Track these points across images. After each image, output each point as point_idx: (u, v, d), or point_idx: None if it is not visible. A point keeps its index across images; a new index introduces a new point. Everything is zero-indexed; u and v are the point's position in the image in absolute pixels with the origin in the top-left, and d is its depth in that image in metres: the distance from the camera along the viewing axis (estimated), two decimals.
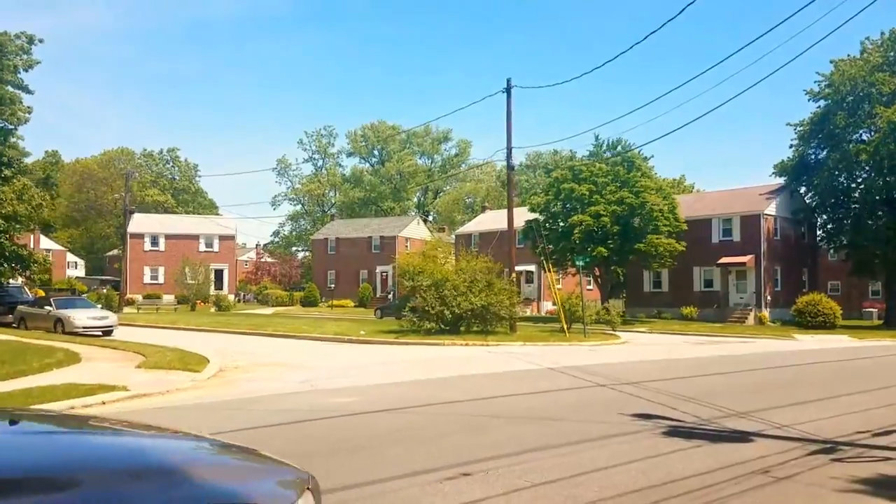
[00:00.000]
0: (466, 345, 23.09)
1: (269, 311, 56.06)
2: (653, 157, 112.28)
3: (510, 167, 27.39)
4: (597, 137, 44.94)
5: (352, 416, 9.27)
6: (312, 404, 10.29)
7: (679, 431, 8.24)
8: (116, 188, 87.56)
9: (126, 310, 51.78)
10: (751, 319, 42.54)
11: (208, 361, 15.43)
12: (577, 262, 29.19)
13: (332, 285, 70.52)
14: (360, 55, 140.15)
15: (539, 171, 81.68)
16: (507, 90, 26.28)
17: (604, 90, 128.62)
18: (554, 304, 28.40)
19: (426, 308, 24.92)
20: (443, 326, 25.25)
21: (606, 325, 29.70)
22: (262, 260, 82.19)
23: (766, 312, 42.74)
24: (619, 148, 77.60)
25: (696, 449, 7.28)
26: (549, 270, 28.05)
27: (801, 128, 43.55)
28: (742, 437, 7.97)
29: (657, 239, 40.77)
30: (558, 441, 7.55)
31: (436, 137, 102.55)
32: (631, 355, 20.63)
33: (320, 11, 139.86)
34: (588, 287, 51.32)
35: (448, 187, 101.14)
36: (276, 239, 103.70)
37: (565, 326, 27.11)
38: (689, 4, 12.96)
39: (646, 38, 23.22)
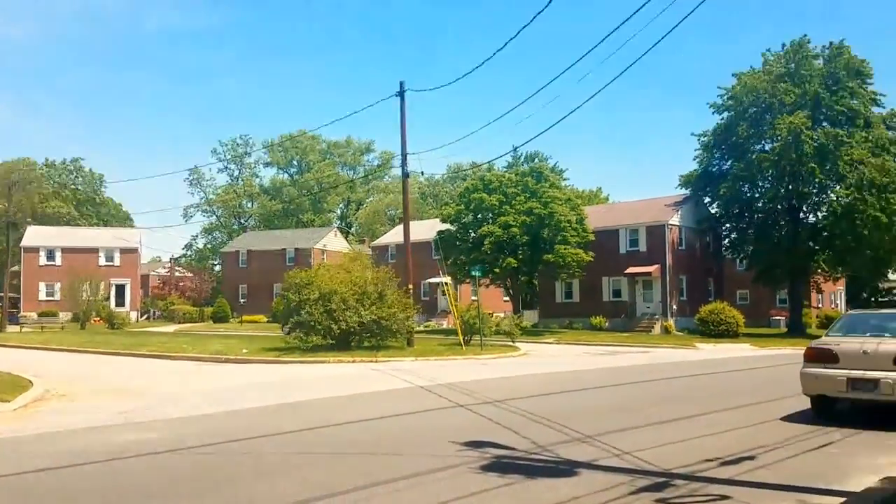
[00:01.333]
0: (353, 361, 21.75)
1: (172, 328, 53.17)
2: (568, 169, 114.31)
3: (405, 174, 26.27)
4: (515, 149, 45.02)
5: (137, 457, 7.84)
6: (106, 443, 8.78)
7: (502, 464, 7.19)
8: (14, 200, 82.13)
9: (10, 329, 48.10)
10: (657, 328, 42.80)
11: (30, 387, 13.60)
12: (474, 273, 28.37)
13: (244, 300, 67.82)
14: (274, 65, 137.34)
15: (458, 182, 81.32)
16: (401, 94, 25.24)
17: (515, 91, 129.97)
18: (459, 316, 27.33)
19: (312, 323, 23.47)
20: (331, 342, 23.83)
21: (506, 336, 28.88)
22: (175, 274, 78.40)
23: (671, 321, 43.08)
24: (535, 161, 78.00)
25: (506, 488, 6.21)
26: (448, 283, 26.94)
27: (705, 139, 44.31)
28: (569, 469, 6.97)
29: (565, 249, 40.54)
30: (361, 482, 6.38)
31: (358, 148, 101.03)
32: (520, 369, 19.77)
33: (236, 20, 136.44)
34: (504, 299, 50.90)
35: (371, 199, 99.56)
36: (190, 252, 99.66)
37: (462, 340, 26.14)
38: (548, 4, 12.14)
39: (518, 33, 22.60)
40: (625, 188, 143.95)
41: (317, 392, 13.91)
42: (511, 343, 28.74)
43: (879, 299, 75.39)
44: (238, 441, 8.73)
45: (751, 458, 7.61)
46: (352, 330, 23.71)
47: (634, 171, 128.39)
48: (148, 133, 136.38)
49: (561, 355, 26.68)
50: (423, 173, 34.23)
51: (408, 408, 11.59)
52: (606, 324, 44.56)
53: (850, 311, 12.17)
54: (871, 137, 39.22)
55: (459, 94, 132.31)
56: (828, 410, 10.36)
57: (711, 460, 7.46)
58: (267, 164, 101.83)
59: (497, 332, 29.64)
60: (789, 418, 10.37)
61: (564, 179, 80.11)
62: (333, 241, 68.15)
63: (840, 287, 65.16)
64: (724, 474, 6.84)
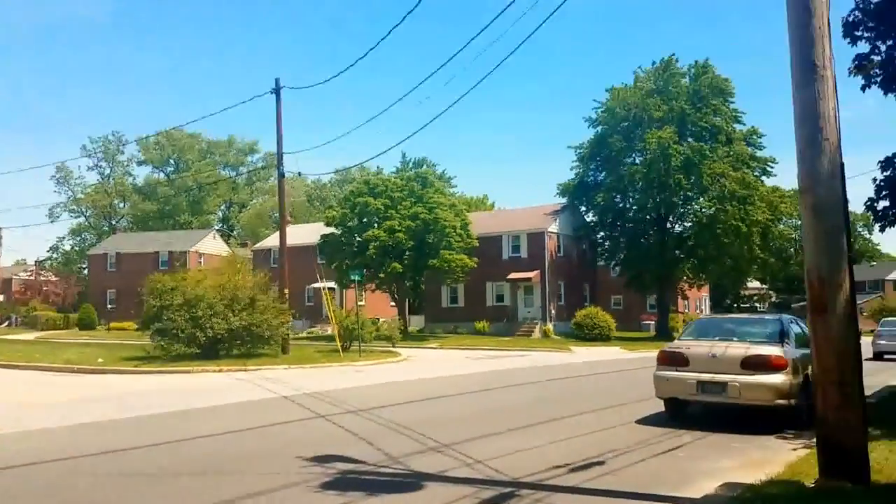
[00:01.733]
0: (220, 371, 20.60)
1: (34, 335, 48.90)
2: (456, 176, 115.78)
3: (281, 174, 25.31)
4: (404, 155, 44.81)
5: None
6: None
7: (345, 480, 6.75)
8: None
9: None
10: (537, 332, 43.79)
11: None
12: (353, 277, 27.77)
13: (112, 306, 63.54)
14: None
15: (346, 185, 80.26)
16: (276, 91, 24.30)
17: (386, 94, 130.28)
18: (338, 322, 26.58)
19: (175, 330, 22.07)
20: (196, 350, 22.50)
21: (387, 341, 28.47)
22: (39, 278, 72.30)
23: (550, 326, 44.23)
24: (423, 167, 78.20)
25: None
26: (326, 288, 26.18)
27: (581, 150, 45.91)
28: (415, 482, 6.63)
29: (450, 255, 40.72)
30: None
31: (241, 148, 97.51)
32: (396, 375, 19.41)
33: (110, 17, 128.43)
34: (392, 304, 50.48)
35: (255, 201, 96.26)
36: (56, 255, 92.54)
37: (340, 346, 25.48)
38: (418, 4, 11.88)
39: (389, 32, 22.37)
40: (513, 196, 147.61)
41: (169, 405, 12.90)
42: (392, 349, 28.33)
43: (741, 305, 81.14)
44: (42, 464, 7.77)
45: (600, 463, 7.58)
46: (219, 337, 22.50)
47: (521, 179, 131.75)
48: (9, 127, 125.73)
49: (441, 360, 26.58)
50: (300, 174, 33.15)
51: (264, 420, 10.91)
52: (490, 328, 45.20)
53: (702, 316, 12.66)
54: (732, 152, 41.98)
55: (350, 97, 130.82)
56: (681, 413, 10.65)
57: (561, 466, 7.36)
58: (141, 163, 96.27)
59: (378, 338, 29.17)
60: (645, 421, 10.57)
61: (452, 186, 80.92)
62: (211, 244, 65.27)
63: (705, 293, 69.49)
64: (571, 481, 6.73)
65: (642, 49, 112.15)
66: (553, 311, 45.68)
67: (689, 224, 44.47)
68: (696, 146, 41.01)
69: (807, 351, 11.27)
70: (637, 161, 43.54)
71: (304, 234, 53.79)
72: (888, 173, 10.05)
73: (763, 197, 41.91)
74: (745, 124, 43.67)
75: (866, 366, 21.76)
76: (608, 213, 45.53)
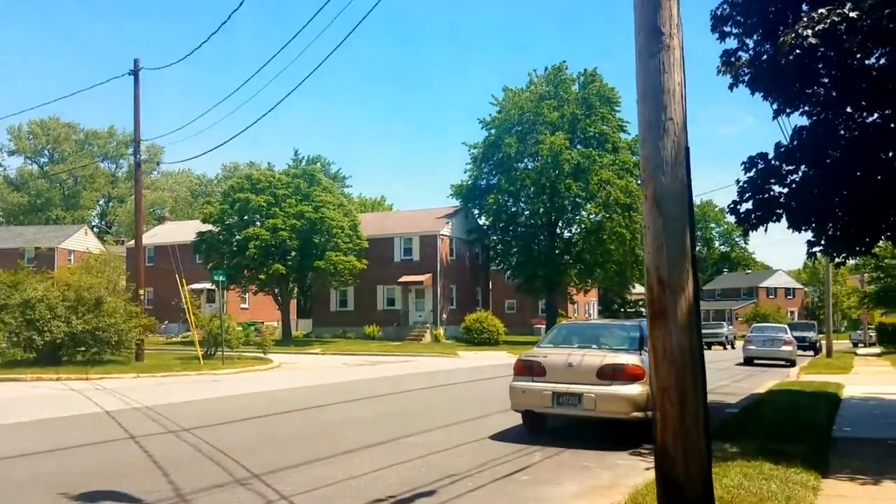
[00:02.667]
0: (59, 379, 18.35)
1: None
2: (351, 176, 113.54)
3: (137, 164, 23.11)
4: (296, 152, 42.82)
5: None
6: None
7: None
8: None
9: None
10: (427, 337, 42.93)
11: None
12: (216, 278, 25.82)
13: None
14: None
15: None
16: (135, 73, 22.12)
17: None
18: (199, 326, 24.54)
19: (9, 333, 19.55)
20: (32, 356, 20.03)
21: (258, 347, 26.66)
22: None
23: (441, 330, 43.49)
24: (317, 164, 75.80)
25: None
26: (184, 288, 24.09)
27: (475, 151, 45.53)
28: None
29: (337, 256, 39.19)
30: None
31: (122, 140, 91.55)
32: (256, 386, 17.82)
33: None
34: (277, 307, 48.19)
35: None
36: None
37: (200, 353, 23.51)
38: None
39: (241, 5, 20.84)
40: (414, 199, 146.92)
41: None
42: (263, 355, 26.55)
43: (627, 310, 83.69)
44: None
45: (429, 493, 6.54)
46: (60, 342, 20.11)
47: (420, 182, 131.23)
48: None
49: (318, 367, 25.11)
50: (159, 163, 30.81)
51: (57, 442, 9.22)
52: (380, 333, 43.97)
53: (564, 322, 11.89)
54: (617, 161, 42.72)
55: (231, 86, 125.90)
56: (539, 426, 9.84)
57: (383, 500, 6.25)
58: (13, 153, 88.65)
59: (250, 344, 27.32)
60: (499, 436, 9.68)
61: (347, 186, 79.16)
62: (83, 241, 60.61)
63: (593, 298, 71.14)
64: None
65: (538, 53, 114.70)
66: (445, 316, 44.98)
67: (578, 229, 44.97)
68: (585, 152, 41.45)
69: None
70: (530, 165, 43.58)
71: (186, 231, 50.60)
72: (751, 174, 9.63)
73: None
74: (629, 134, 44.67)
75: (736, 371, 21.96)
76: (501, 216, 45.35)
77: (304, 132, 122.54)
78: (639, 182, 44.39)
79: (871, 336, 46.52)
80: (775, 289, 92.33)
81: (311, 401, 14.40)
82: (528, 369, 9.41)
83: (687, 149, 4.98)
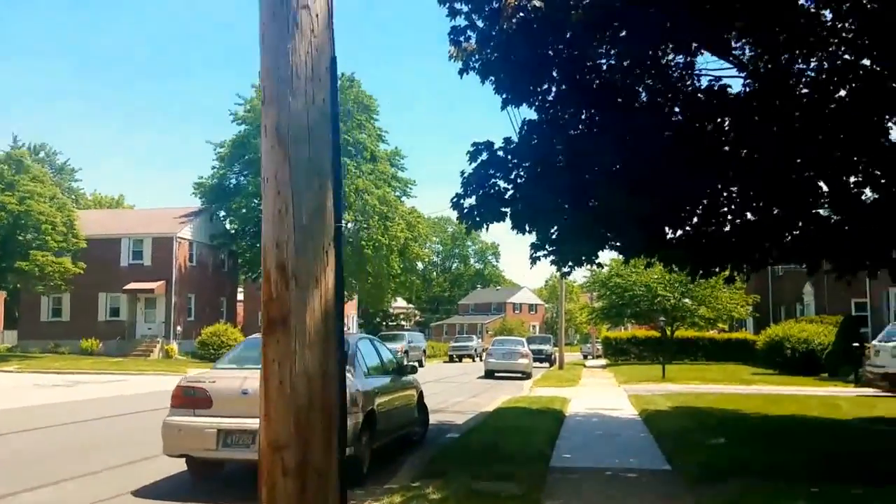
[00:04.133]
0: None
1: None
2: (81, 169, 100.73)
3: None
4: (15, 138, 35.64)
5: None
6: None
7: None
8: None
9: None
10: (157, 352, 38.05)
11: None
12: None
13: None
14: None
15: None
16: None
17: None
18: None
19: None
20: None
21: None
22: None
23: (174, 345, 38.81)
24: (41, 154, 65.52)
25: None
26: None
27: (223, 149, 41.79)
28: None
29: (44, 257, 33.14)
30: None
31: None
32: None
33: None
34: None
35: None
36: None
37: None
38: None
39: None
40: (160, 199, 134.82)
41: None
42: None
43: (389, 324, 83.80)
44: None
45: None
46: None
47: (166, 181, 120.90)
48: None
49: None
50: None
51: None
52: (100, 347, 38.10)
53: (252, 336, 9.54)
54: (375, 170, 41.79)
55: None
56: (208, 474, 7.53)
57: None
58: None
59: None
60: (149, 491, 7.20)
61: (75, 180, 69.78)
62: None
63: (352, 311, 69.88)
64: None
65: None
66: (179, 329, 40.28)
67: None
68: (342, 160, 39.80)
69: (382, 381, 9.27)
70: None
71: None
72: (476, 165, 8.39)
73: (403, 216, 42.47)
74: (388, 144, 44.09)
75: (476, 385, 21.24)
76: (251, 221, 41.94)
77: (29, 116, 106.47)
78: (396, 194, 44.10)
79: (598, 349, 50.72)
80: (521, 304, 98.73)
81: None
82: (189, 399, 7.10)
83: (333, 59, 3.17)
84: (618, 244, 9.32)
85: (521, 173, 8.25)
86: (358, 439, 7.23)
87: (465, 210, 8.44)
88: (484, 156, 8.29)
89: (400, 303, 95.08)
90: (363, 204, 39.65)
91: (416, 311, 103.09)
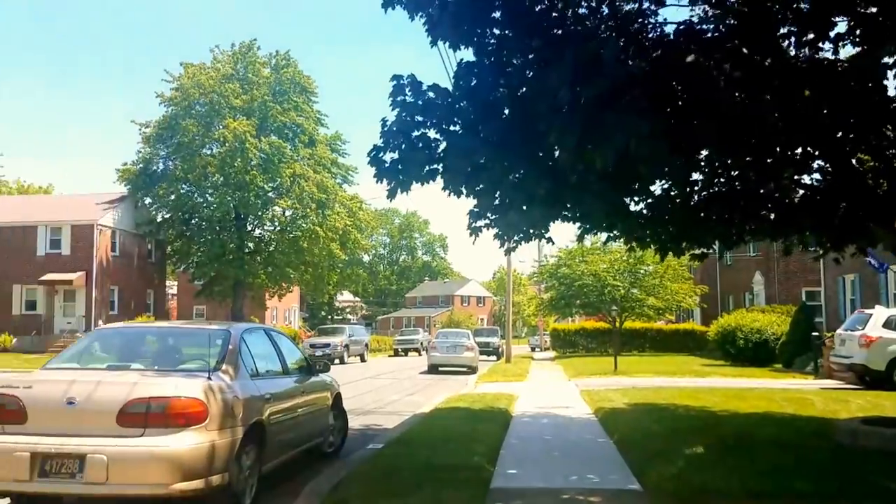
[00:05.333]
0: None
1: None
2: (2, 154, 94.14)
3: None
4: None
5: None
6: None
7: None
8: None
9: None
10: None
11: None
12: None
13: None
14: None
15: None
16: None
17: None
18: None
19: None
20: None
21: None
22: None
23: None
24: None
25: None
26: None
27: (149, 130, 38.95)
28: None
29: None
30: None
31: None
32: None
33: None
34: None
35: None
36: None
37: None
38: None
39: None
40: (89, 187, 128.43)
41: None
42: None
43: (334, 317, 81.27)
44: None
45: None
46: None
47: (97, 167, 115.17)
48: None
49: None
50: None
51: None
52: (14, 343, 35.13)
53: (120, 325, 7.61)
54: (314, 155, 39.61)
55: None
56: None
57: None
58: None
59: None
60: None
61: None
62: None
63: (294, 304, 67.24)
64: None
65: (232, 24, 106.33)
66: (101, 323, 37.38)
67: (270, 227, 40.91)
68: (276, 143, 37.52)
69: (280, 384, 7.43)
70: (213, 152, 38.36)
71: None
72: (400, 108, 6.64)
73: (343, 203, 40.45)
74: (328, 128, 41.90)
75: (418, 381, 19.28)
76: (181, 208, 39.31)
77: None
78: (338, 181, 41.96)
79: (546, 341, 49.66)
80: (469, 297, 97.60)
81: None
82: None
83: None
84: (573, 214, 7.73)
85: (457, 119, 6.55)
86: (236, 462, 5.43)
87: (387, 166, 6.69)
88: (409, 95, 6.55)
89: (346, 296, 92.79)
90: (300, 190, 37.42)
91: (363, 305, 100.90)
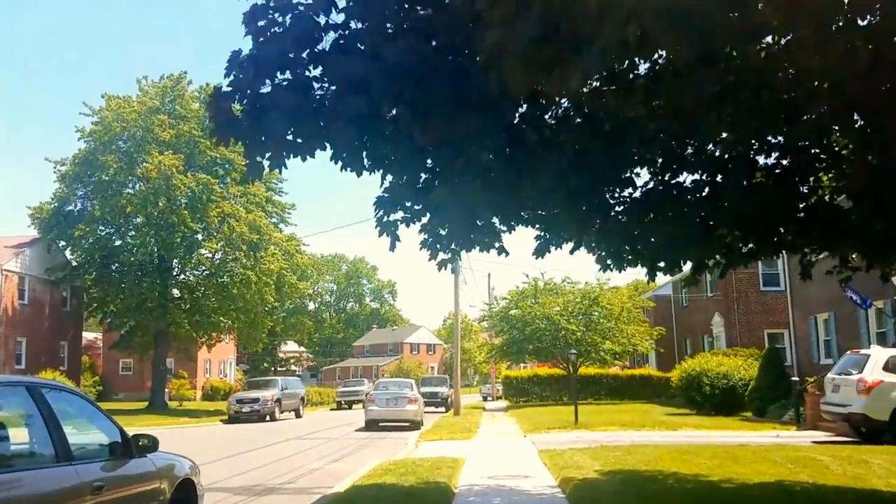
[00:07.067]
0: None
1: None
2: None
3: None
4: None
5: None
6: None
7: None
8: None
9: None
10: None
11: None
12: None
13: None
14: None
15: None
16: None
17: None
18: None
19: None
20: None
21: None
22: None
23: None
24: None
25: None
26: None
27: (65, 167, 35.66)
28: None
29: None
30: None
31: None
32: None
33: None
34: None
35: None
36: None
37: None
38: None
39: None
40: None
41: None
42: None
43: (278, 369, 76.94)
44: None
45: None
46: None
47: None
48: None
49: None
50: None
51: None
52: None
53: None
54: (247, 193, 36.90)
55: None
56: None
57: None
58: None
59: None
60: None
61: None
62: None
63: (230, 355, 63.12)
64: None
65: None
66: None
67: (196, 272, 37.69)
68: (205, 179, 34.67)
69: (58, 479, 4.56)
70: (137, 190, 35.24)
71: None
72: (264, 38, 4.28)
73: (279, 244, 37.64)
74: None
75: (349, 441, 15.94)
76: (99, 252, 35.85)
77: None
78: (273, 220, 39.18)
79: (498, 390, 47.05)
80: (419, 345, 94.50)
81: None
82: None
83: None
84: (534, 212, 5.40)
85: (354, 45, 4.19)
86: None
87: (243, 124, 4.25)
88: (278, 15, 4.16)
89: (291, 346, 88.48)
90: (230, 231, 34.51)
91: (310, 355, 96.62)
